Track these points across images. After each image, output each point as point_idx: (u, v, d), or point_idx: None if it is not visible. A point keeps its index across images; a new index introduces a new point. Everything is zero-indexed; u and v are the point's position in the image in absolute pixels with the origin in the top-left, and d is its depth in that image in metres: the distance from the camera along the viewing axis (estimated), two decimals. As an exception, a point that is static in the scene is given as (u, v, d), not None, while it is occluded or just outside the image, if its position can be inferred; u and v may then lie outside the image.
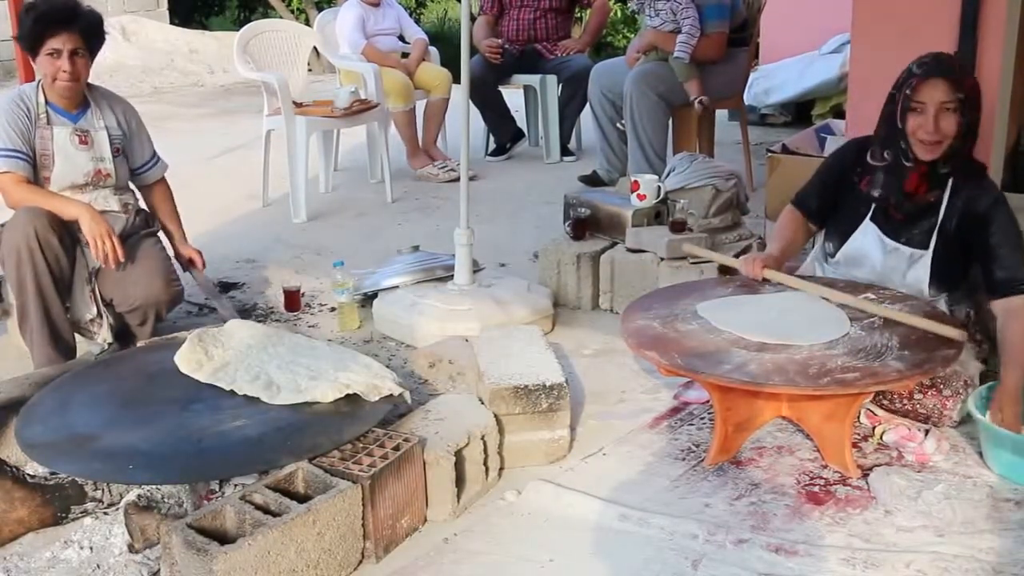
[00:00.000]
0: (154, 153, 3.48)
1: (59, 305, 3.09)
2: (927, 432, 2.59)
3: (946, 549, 2.16)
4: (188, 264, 3.53)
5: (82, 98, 3.24)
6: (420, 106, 5.84)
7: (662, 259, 3.54)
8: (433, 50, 6.16)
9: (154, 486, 2.30)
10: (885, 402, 2.70)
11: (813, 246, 3.27)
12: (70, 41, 3.07)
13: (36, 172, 3.15)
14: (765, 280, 2.85)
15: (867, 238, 2.87)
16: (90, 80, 3.26)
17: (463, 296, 3.49)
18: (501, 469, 2.58)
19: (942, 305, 2.79)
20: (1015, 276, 2.63)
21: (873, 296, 2.70)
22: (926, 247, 2.77)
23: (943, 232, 2.74)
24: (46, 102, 3.16)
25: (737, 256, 3.60)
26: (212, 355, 2.66)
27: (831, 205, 2.98)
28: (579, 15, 7.22)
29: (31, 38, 3.09)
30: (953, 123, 2.63)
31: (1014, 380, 2.53)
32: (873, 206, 2.84)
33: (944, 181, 2.72)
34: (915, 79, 2.66)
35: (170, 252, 3.43)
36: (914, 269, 2.80)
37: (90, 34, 3.14)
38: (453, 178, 5.53)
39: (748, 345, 2.47)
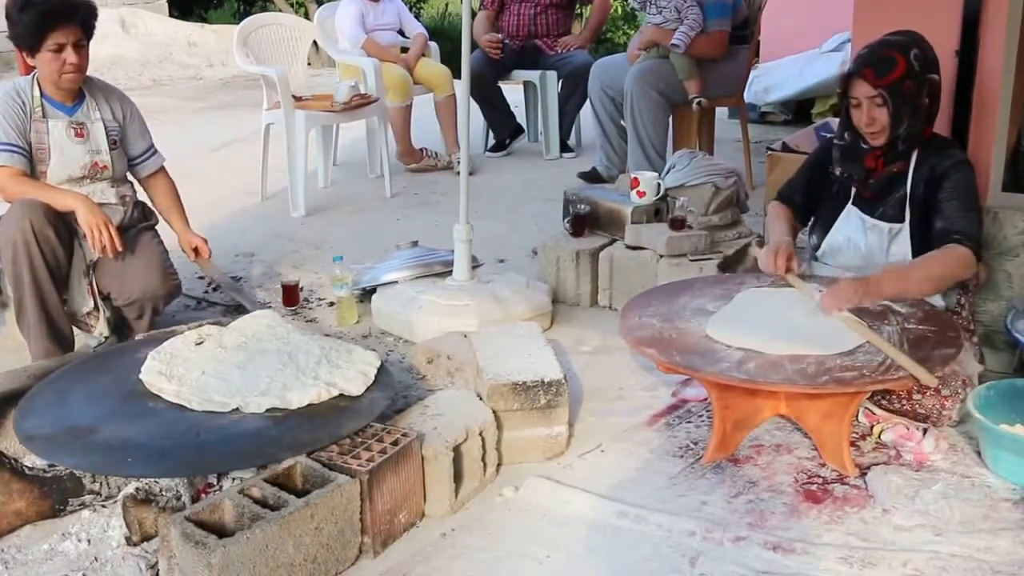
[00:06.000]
0: (151, 145, 3.43)
1: (56, 298, 3.08)
2: (925, 431, 2.59)
3: (943, 548, 2.17)
4: (193, 253, 3.48)
5: (78, 90, 3.22)
6: (418, 101, 5.82)
7: (661, 256, 3.54)
8: (433, 45, 6.14)
9: (152, 479, 2.30)
10: (884, 402, 2.70)
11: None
12: (72, 34, 3.04)
13: (33, 166, 3.13)
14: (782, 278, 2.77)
15: (850, 221, 2.90)
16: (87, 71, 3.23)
17: (462, 292, 3.48)
18: (499, 465, 2.58)
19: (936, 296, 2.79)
20: (951, 227, 2.66)
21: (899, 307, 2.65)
22: (901, 220, 2.81)
23: (914, 201, 2.78)
24: (42, 95, 3.14)
25: (734, 253, 3.62)
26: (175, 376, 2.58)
27: (815, 201, 3.02)
28: (579, 11, 7.22)
29: (34, 36, 3.02)
30: (884, 115, 2.70)
31: (891, 285, 2.62)
32: (853, 191, 2.88)
33: (907, 154, 2.78)
34: (848, 75, 2.75)
35: (168, 245, 3.41)
36: (895, 243, 2.82)
37: (89, 24, 3.11)
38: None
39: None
